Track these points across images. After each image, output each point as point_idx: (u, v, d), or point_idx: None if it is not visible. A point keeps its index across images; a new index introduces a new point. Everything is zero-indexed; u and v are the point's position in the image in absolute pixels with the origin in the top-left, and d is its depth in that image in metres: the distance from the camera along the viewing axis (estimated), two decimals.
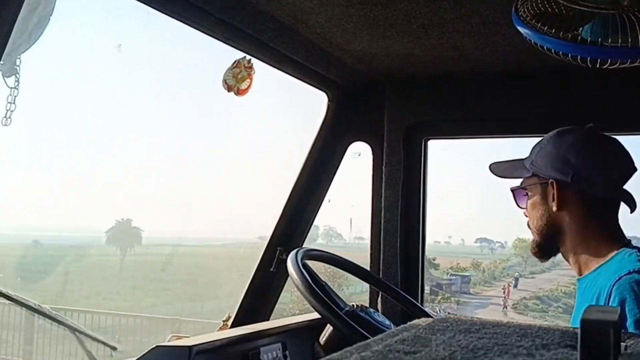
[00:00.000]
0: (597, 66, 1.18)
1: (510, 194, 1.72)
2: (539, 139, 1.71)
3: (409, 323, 0.86)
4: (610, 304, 1.44)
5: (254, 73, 2.03)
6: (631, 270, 1.46)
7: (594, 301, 1.50)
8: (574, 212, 1.59)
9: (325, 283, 1.97)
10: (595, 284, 1.54)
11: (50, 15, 1.60)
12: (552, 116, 2.10)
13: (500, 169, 1.75)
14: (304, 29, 1.89)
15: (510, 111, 2.20)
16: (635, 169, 1.61)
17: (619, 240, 1.60)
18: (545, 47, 1.19)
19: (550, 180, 1.58)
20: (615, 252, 1.56)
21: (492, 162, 1.75)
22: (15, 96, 1.60)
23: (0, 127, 1.57)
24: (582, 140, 1.60)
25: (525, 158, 1.69)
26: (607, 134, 1.65)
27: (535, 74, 2.11)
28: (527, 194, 1.67)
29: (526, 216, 1.70)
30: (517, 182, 1.73)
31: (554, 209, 1.59)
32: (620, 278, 1.46)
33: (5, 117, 1.60)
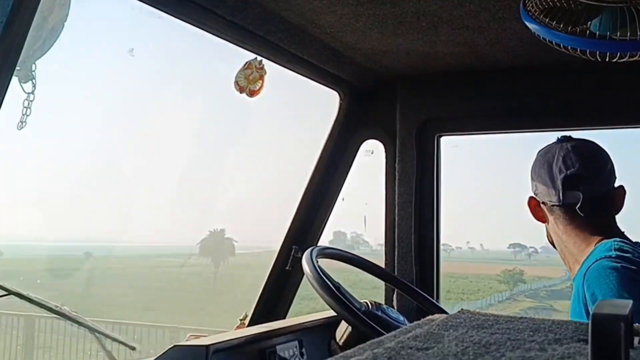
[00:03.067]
0: (607, 60, 1.18)
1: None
2: (553, 132, 1.74)
3: (422, 319, 0.87)
4: (586, 296, 1.46)
5: (265, 74, 2.05)
6: (598, 258, 1.48)
7: (576, 300, 1.52)
8: (552, 223, 1.69)
9: (339, 284, 1.98)
10: (577, 279, 1.57)
11: (64, 21, 1.63)
12: (564, 110, 2.09)
13: None
14: (314, 28, 1.90)
15: (522, 106, 2.19)
16: (575, 169, 1.63)
17: (598, 234, 1.61)
18: (554, 42, 1.19)
19: (533, 196, 1.72)
20: (593, 246, 1.58)
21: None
22: (31, 101, 1.64)
23: (17, 131, 1.61)
24: (542, 153, 1.71)
25: None
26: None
27: (545, 68, 2.10)
28: (530, 207, 1.78)
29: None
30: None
31: (546, 219, 1.71)
32: (588, 269, 1.47)
33: (20, 121, 1.63)
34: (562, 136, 1.71)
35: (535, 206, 1.70)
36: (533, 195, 1.71)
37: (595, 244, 1.59)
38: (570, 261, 1.67)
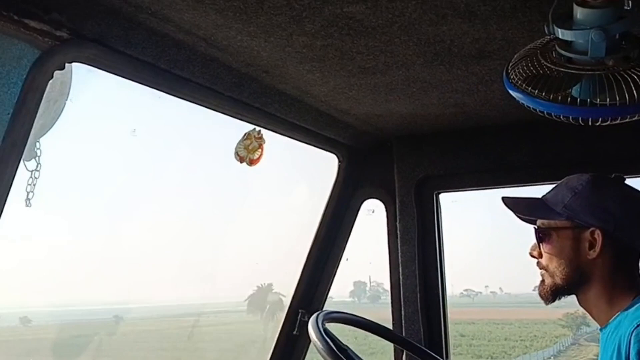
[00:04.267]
0: (590, 124, 1.22)
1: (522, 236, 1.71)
2: (546, 185, 1.73)
3: None
4: (630, 352, 1.43)
5: (264, 143, 2.10)
6: None
7: (616, 351, 1.49)
8: (608, 260, 1.57)
9: (347, 347, 1.97)
10: (616, 333, 1.53)
11: (64, 103, 1.70)
12: (555, 164, 2.13)
13: (518, 206, 1.73)
14: (309, 98, 1.96)
15: (514, 161, 2.23)
16: None
17: (636, 288, 1.60)
18: (537, 110, 1.24)
19: (592, 228, 1.57)
20: (634, 299, 1.56)
21: (505, 196, 1.72)
22: (36, 178, 1.69)
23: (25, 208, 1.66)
24: (620, 190, 1.62)
25: (544, 199, 1.68)
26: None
27: (535, 124, 2.14)
28: (552, 237, 1.64)
29: (534, 257, 1.67)
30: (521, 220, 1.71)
31: (591, 256, 1.57)
32: (638, 325, 1.45)
33: (27, 199, 1.68)
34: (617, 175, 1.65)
35: (590, 236, 1.57)
36: (596, 226, 1.57)
37: (633, 298, 1.55)
38: (604, 308, 1.59)
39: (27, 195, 1.68)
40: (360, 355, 1.88)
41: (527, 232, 1.77)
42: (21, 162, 1.55)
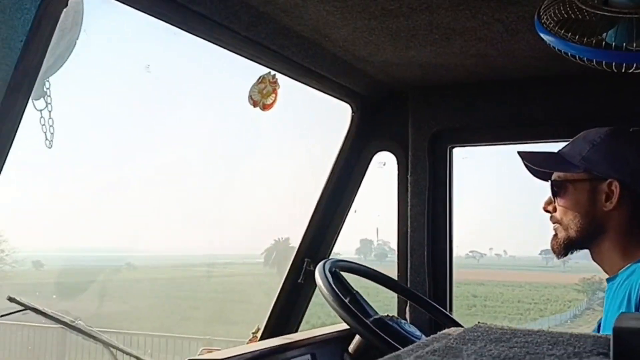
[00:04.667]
0: (623, 71, 1.18)
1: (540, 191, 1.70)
2: (564, 142, 1.70)
3: (439, 333, 0.86)
4: None
5: (278, 88, 2.06)
6: None
7: (626, 299, 1.49)
8: (624, 212, 1.58)
9: (357, 292, 1.97)
10: (628, 282, 1.53)
11: (77, 39, 1.65)
12: (575, 120, 2.08)
13: (535, 159, 1.71)
14: (327, 42, 1.91)
15: (534, 117, 2.19)
16: None
17: None
18: (569, 54, 1.19)
19: (610, 179, 1.57)
20: None
21: (521, 150, 1.72)
22: (49, 118, 1.65)
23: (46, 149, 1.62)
24: (637, 142, 1.61)
25: (560, 152, 1.68)
26: None
27: (558, 78, 2.10)
28: (568, 189, 1.64)
29: (548, 211, 1.68)
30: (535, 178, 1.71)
31: (607, 208, 1.58)
32: None
33: (47, 139, 1.64)
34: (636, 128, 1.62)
35: (607, 188, 1.56)
36: (614, 178, 1.56)
37: None
38: (616, 259, 1.59)
39: (46, 136, 1.65)
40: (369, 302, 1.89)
41: (534, 194, 1.75)
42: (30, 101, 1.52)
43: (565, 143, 1.72)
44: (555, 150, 1.72)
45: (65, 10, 1.41)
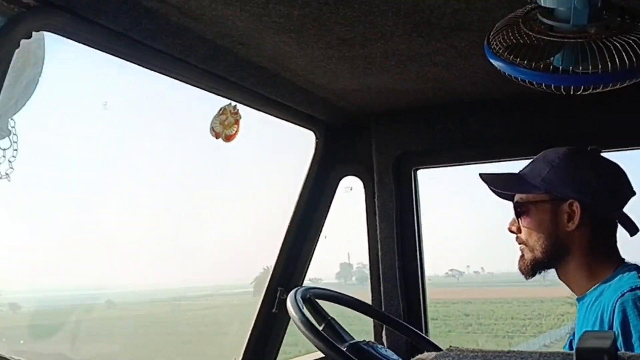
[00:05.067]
0: (572, 93, 1.21)
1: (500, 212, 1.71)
2: (526, 160, 1.73)
3: (416, 357, 0.87)
4: (614, 321, 1.45)
5: (240, 118, 2.06)
6: (633, 287, 1.47)
7: (598, 320, 1.50)
8: (586, 232, 1.59)
9: (331, 318, 1.95)
10: (597, 303, 1.54)
11: (38, 78, 1.64)
12: (534, 138, 2.13)
13: (496, 181, 1.73)
14: (286, 72, 1.93)
15: (494, 136, 2.23)
16: (634, 192, 1.64)
17: (618, 259, 1.61)
18: (519, 78, 1.22)
19: (570, 200, 1.58)
20: (614, 270, 1.58)
21: (483, 172, 1.73)
22: (14, 156, 1.63)
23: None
24: (596, 161, 1.63)
25: (521, 174, 1.68)
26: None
27: (515, 99, 2.15)
28: (530, 211, 1.64)
29: (513, 232, 1.68)
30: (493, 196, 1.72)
31: (569, 228, 1.59)
32: (622, 295, 1.46)
33: (6, 174, 1.62)
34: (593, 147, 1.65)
35: (568, 208, 1.58)
36: (574, 198, 1.57)
37: (615, 269, 1.57)
38: (583, 279, 1.60)
39: (6, 171, 1.62)
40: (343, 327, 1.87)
41: (505, 210, 1.77)
42: None
43: (526, 161, 1.75)
44: (519, 168, 1.74)
45: (17, 51, 1.40)
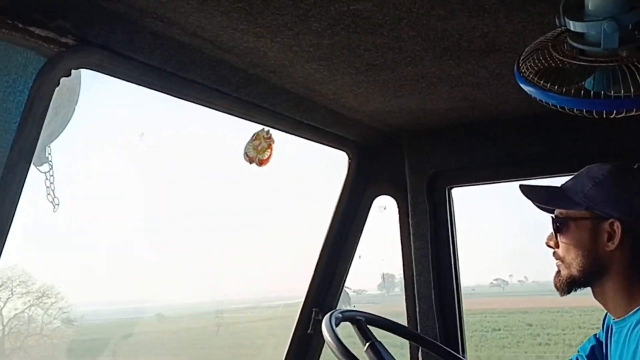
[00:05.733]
0: (604, 116, 1.19)
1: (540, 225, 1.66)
2: (562, 178, 1.69)
3: None
4: None
5: (273, 143, 2.09)
6: None
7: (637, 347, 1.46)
8: (626, 253, 1.54)
9: (376, 340, 1.90)
10: (638, 328, 1.50)
11: (75, 106, 1.70)
12: (571, 156, 2.09)
13: (536, 194, 1.68)
14: (318, 97, 1.95)
15: (529, 154, 2.20)
16: None
17: None
18: (550, 103, 1.21)
19: (612, 219, 1.53)
20: None
21: (523, 184, 1.68)
22: (52, 183, 1.71)
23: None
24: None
25: (563, 187, 1.64)
26: None
27: (550, 115, 2.10)
28: (570, 227, 1.60)
29: (551, 247, 1.64)
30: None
31: (609, 248, 1.54)
32: None
33: (52, 204, 1.70)
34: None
35: (609, 228, 1.53)
36: (616, 218, 1.52)
37: None
38: (622, 301, 1.55)
39: (53, 202, 1.71)
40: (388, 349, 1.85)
41: (545, 221, 1.72)
42: (32, 167, 1.56)
43: (561, 178, 1.71)
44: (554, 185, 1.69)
45: (57, 88, 1.45)
